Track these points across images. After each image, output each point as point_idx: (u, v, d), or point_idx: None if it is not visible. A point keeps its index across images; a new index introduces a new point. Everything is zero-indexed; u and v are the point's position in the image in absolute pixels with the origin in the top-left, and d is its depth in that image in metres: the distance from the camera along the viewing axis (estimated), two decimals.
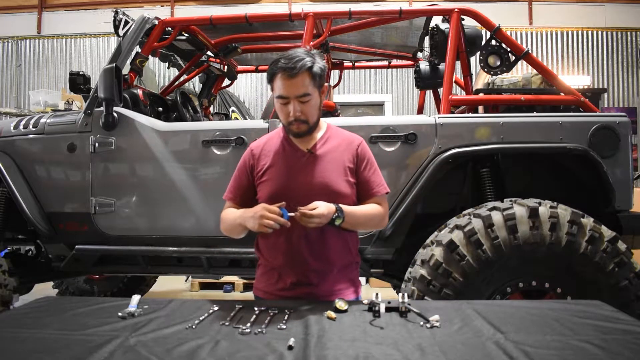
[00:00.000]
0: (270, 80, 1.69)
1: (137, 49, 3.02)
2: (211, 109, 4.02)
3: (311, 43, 2.84)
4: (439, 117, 2.61)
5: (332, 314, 1.47)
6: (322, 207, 1.59)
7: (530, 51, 2.77)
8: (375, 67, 4.27)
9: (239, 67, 4.07)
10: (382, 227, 1.87)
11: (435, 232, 2.34)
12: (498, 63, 2.77)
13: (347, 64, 3.96)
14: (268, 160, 1.77)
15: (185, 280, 5.56)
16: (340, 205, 1.65)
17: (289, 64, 1.62)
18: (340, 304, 1.52)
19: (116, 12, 3.00)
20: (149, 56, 3.07)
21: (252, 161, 1.80)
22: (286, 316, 1.46)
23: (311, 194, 1.68)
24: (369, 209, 1.76)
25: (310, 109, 1.69)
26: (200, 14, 3.76)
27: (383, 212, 1.79)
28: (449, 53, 2.75)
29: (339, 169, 1.75)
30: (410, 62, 3.87)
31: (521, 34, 7.04)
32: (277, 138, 1.83)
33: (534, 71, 2.88)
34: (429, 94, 3.76)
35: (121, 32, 2.96)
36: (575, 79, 6.77)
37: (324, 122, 1.84)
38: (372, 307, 1.51)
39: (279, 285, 1.76)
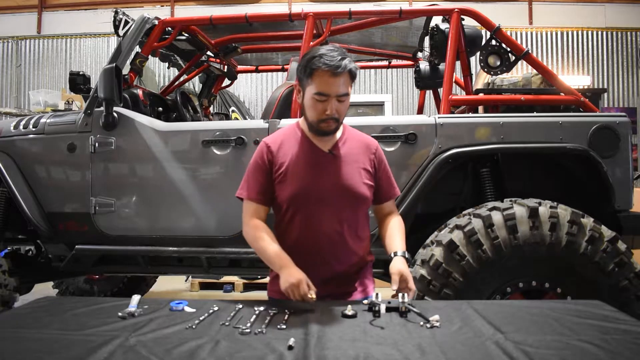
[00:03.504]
0: (309, 75, 1.64)
1: (137, 49, 3.02)
2: (211, 109, 4.02)
3: (311, 43, 2.84)
4: (439, 117, 2.61)
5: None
6: (406, 273, 1.62)
7: (530, 51, 2.77)
8: (375, 67, 4.28)
9: (239, 67, 4.07)
10: None
11: (435, 232, 2.34)
12: (498, 63, 2.77)
13: None
14: (287, 159, 1.74)
15: (185, 280, 5.56)
16: (400, 250, 1.71)
17: (334, 62, 1.60)
18: (349, 310, 1.50)
19: (116, 12, 3.00)
20: (149, 56, 3.07)
21: (270, 156, 1.75)
22: (286, 316, 1.46)
23: (334, 196, 1.71)
24: (400, 226, 1.83)
25: (345, 108, 1.70)
26: (200, 14, 3.76)
27: (401, 219, 1.88)
28: (449, 53, 2.75)
29: (359, 171, 1.77)
30: (410, 62, 3.86)
31: (521, 34, 7.04)
32: (293, 135, 1.80)
33: (534, 71, 2.88)
34: (429, 94, 3.76)
35: (121, 32, 2.96)
36: (575, 79, 6.78)
37: None
38: (372, 307, 1.50)
39: None
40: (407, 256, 1.70)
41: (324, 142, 1.77)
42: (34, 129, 2.94)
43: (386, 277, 2.86)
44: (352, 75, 1.67)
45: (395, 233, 1.79)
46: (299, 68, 1.71)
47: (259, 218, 1.76)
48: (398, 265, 1.63)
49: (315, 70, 1.62)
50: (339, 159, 1.76)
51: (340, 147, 1.78)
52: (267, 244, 1.69)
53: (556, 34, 7.03)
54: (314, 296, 1.54)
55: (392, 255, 1.70)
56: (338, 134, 1.80)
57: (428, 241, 2.33)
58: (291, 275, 1.58)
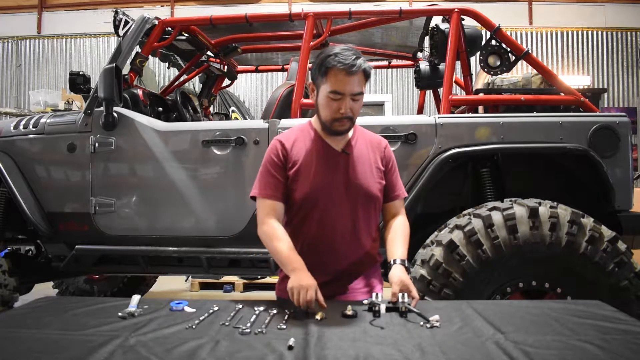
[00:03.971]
0: (324, 74, 1.65)
1: (137, 49, 3.02)
2: (211, 109, 4.02)
3: (311, 43, 2.84)
4: (439, 117, 2.61)
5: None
6: (407, 281, 1.60)
7: (530, 51, 2.76)
8: (375, 67, 4.25)
9: (239, 67, 4.07)
10: None
11: (435, 232, 2.34)
12: (498, 63, 2.77)
13: None
14: (300, 157, 1.74)
15: (185, 280, 5.56)
16: (400, 258, 1.69)
17: (348, 60, 1.61)
18: (349, 310, 1.49)
19: (116, 12, 3.00)
20: (149, 56, 3.07)
21: (285, 153, 1.75)
22: (286, 316, 1.46)
23: (348, 195, 1.71)
24: (404, 230, 1.80)
25: (358, 107, 1.71)
26: (200, 14, 3.76)
27: (407, 222, 1.85)
28: (449, 53, 2.75)
29: (372, 171, 1.78)
30: (410, 62, 3.87)
31: (521, 34, 7.04)
32: (306, 134, 1.79)
33: (534, 71, 2.88)
34: (429, 94, 3.76)
35: (121, 32, 2.96)
36: (575, 79, 6.78)
37: None
38: (372, 307, 1.50)
39: None
40: (406, 265, 1.68)
41: (337, 141, 1.78)
42: (34, 129, 2.93)
43: (385, 277, 2.87)
44: (366, 75, 1.67)
45: (397, 237, 1.78)
46: (313, 67, 1.71)
47: (275, 215, 1.72)
48: (398, 274, 1.62)
49: (330, 68, 1.63)
50: (352, 159, 1.76)
51: (352, 147, 1.79)
52: (282, 245, 1.66)
53: (556, 34, 7.03)
54: (319, 310, 1.48)
55: (392, 262, 1.69)
56: (350, 134, 1.80)
57: (428, 241, 2.33)
58: (302, 279, 1.54)
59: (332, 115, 1.68)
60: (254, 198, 1.78)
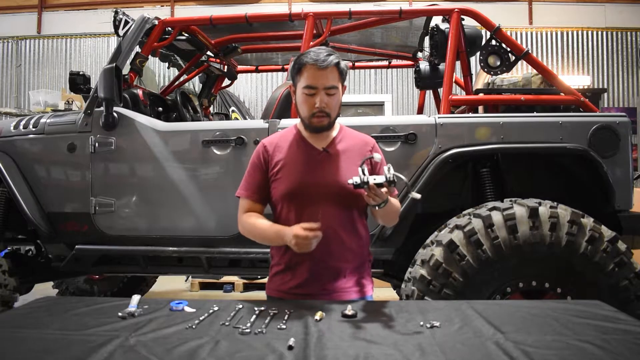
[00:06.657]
0: (298, 71, 1.72)
1: (137, 49, 3.02)
2: (211, 109, 4.02)
3: (311, 43, 2.84)
4: (439, 117, 2.61)
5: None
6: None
7: (530, 51, 2.77)
8: (375, 67, 4.28)
9: (239, 67, 4.07)
10: (395, 223, 1.91)
11: (435, 232, 2.34)
12: (498, 63, 2.77)
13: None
14: (282, 157, 1.78)
15: (185, 280, 5.56)
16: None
17: (320, 56, 1.68)
18: (349, 310, 1.48)
19: (116, 12, 3.00)
20: (149, 56, 3.07)
21: (266, 156, 1.79)
22: (286, 316, 1.46)
23: (327, 192, 1.71)
24: (395, 201, 1.79)
25: (335, 103, 1.74)
26: (200, 14, 3.76)
27: (400, 208, 1.87)
28: (449, 53, 2.75)
29: (354, 168, 1.76)
30: (410, 62, 3.87)
31: (521, 34, 7.04)
32: (290, 136, 1.83)
33: (534, 71, 2.88)
34: (429, 94, 3.76)
35: (121, 32, 2.96)
36: (575, 79, 6.78)
37: (337, 123, 1.86)
38: (362, 185, 1.50)
39: (293, 284, 1.76)
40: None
41: (320, 141, 1.79)
42: (34, 129, 2.94)
43: (385, 277, 2.88)
44: (340, 71, 1.72)
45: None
46: (290, 70, 1.77)
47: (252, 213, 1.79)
48: None
49: (303, 65, 1.70)
50: (333, 157, 1.78)
51: (335, 145, 1.80)
52: (263, 226, 1.73)
53: (556, 34, 7.03)
54: (314, 234, 1.55)
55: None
56: (334, 133, 1.82)
57: (428, 241, 2.33)
58: (286, 234, 1.61)
59: (308, 110, 1.72)
60: (239, 198, 1.83)
